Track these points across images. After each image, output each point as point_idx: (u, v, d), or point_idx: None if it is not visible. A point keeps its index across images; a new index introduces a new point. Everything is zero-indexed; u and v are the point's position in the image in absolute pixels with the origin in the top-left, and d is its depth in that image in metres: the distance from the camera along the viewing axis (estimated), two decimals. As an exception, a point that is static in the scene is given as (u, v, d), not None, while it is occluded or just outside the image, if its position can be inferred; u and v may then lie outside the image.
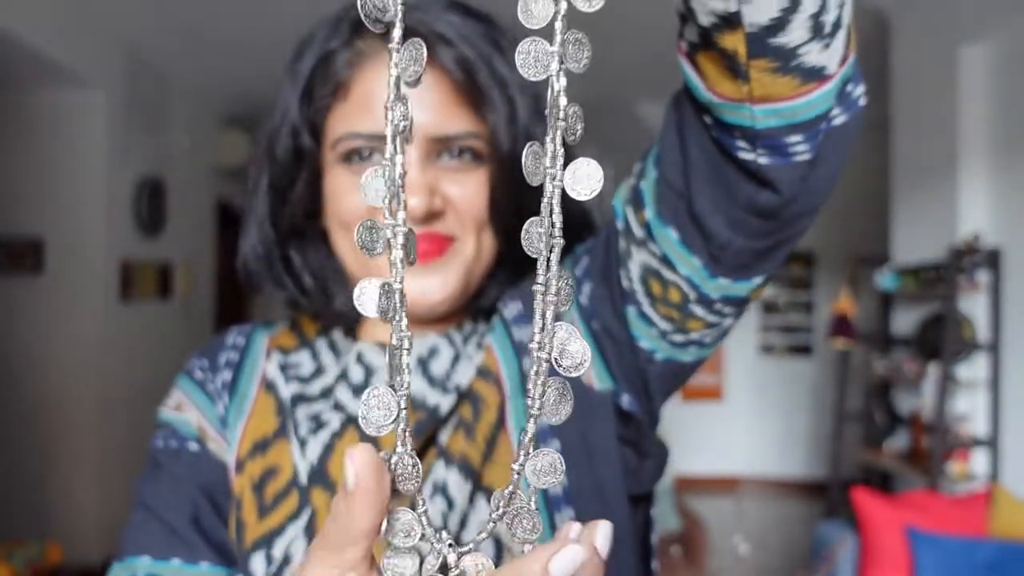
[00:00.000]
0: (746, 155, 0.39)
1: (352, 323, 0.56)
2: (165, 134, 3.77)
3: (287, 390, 0.54)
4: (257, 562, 0.48)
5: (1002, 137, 2.63)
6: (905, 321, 3.08)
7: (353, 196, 0.51)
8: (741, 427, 5.09)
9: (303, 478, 0.49)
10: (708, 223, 0.42)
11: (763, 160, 0.38)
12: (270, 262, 0.56)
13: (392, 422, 0.26)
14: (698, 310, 0.46)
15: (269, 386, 0.55)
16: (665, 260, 0.45)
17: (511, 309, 0.54)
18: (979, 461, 2.69)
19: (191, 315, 4.13)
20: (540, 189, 0.25)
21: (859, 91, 0.39)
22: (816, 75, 0.35)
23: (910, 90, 2.99)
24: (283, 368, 0.56)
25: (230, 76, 3.82)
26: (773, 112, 0.36)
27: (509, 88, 0.51)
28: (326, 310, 0.56)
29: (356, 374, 0.53)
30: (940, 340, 2.64)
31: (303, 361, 0.56)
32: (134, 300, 3.52)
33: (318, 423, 0.51)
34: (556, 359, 0.25)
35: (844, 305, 3.23)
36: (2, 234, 3.24)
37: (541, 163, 0.25)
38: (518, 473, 0.26)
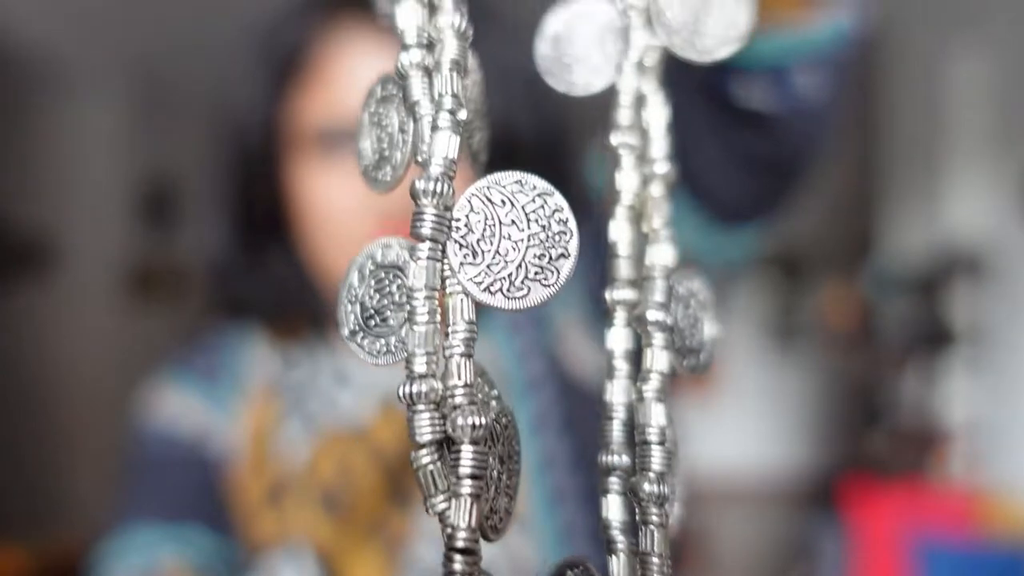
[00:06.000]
0: (739, 97, 0.37)
1: (324, 323, 0.53)
2: (175, 133, 3.78)
3: (282, 385, 0.53)
4: (267, 562, 0.48)
5: (989, 134, 2.62)
6: (889, 316, 3.08)
7: (337, 190, 0.47)
8: (724, 422, 5.03)
9: (298, 474, 0.49)
10: (705, 178, 0.40)
11: (758, 103, 0.36)
12: (242, 263, 0.53)
13: None
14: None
15: (265, 380, 0.54)
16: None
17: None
18: (964, 454, 2.68)
19: (203, 317, 4.12)
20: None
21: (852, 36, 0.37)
22: None
23: (898, 85, 2.97)
24: (280, 363, 0.54)
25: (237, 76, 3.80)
26: (773, 43, 0.34)
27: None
28: (304, 312, 0.53)
29: (350, 371, 0.52)
30: (924, 335, 2.65)
31: (298, 356, 0.54)
32: (145, 301, 3.54)
33: (311, 419, 0.51)
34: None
35: (828, 300, 3.22)
36: (10, 233, 3.25)
37: None
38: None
